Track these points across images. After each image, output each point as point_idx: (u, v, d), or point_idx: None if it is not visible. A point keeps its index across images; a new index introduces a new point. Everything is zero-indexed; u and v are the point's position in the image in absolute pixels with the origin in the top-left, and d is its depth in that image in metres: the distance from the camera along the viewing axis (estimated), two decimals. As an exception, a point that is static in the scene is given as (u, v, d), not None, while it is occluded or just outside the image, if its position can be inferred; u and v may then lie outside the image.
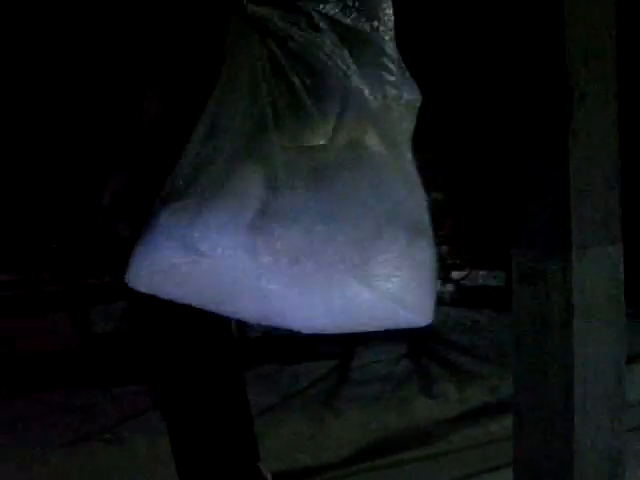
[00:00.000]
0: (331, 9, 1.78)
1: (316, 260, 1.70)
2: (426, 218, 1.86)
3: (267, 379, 8.44)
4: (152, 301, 1.97)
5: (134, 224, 2.14)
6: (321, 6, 1.78)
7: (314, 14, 1.77)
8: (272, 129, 1.69)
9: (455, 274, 15.96)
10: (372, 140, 1.77)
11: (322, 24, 1.76)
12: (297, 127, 1.72)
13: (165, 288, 1.80)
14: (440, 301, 12.32)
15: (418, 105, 1.94)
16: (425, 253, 1.85)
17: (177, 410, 2.57)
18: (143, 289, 1.82)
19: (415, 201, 1.84)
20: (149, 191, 2.00)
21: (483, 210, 15.08)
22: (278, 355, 9.61)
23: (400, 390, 7.30)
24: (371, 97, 1.77)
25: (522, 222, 2.78)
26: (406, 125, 1.88)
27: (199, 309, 1.92)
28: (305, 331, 1.81)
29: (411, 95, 1.90)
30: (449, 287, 16.29)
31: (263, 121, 1.70)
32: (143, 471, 5.29)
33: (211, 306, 1.82)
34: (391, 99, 1.82)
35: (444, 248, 18.53)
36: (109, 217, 2.46)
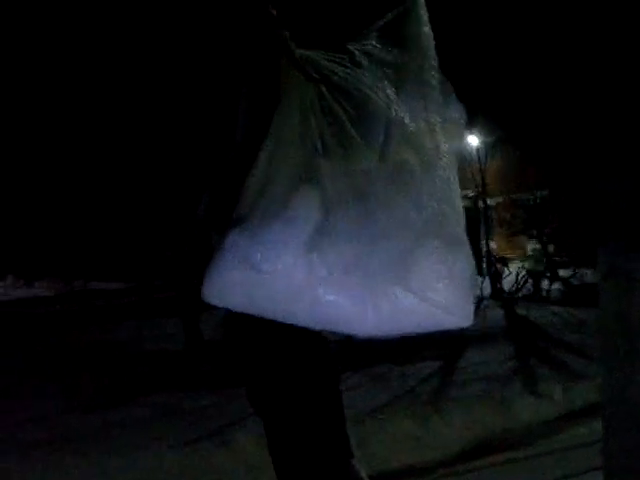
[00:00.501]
0: (372, 46, 1.99)
1: (365, 271, 1.91)
2: (462, 230, 2.05)
3: (377, 379, 8.59)
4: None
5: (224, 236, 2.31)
6: (363, 44, 2.00)
7: (356, 52, 1.98)
8: (322, 157, 1.91)
9: (562, 272, 15.80)
10: (414, 162, 1.96)
11: (364, 61, 1.97)
12: (344, 154, 1.92)
13: (234, 301, 2.04)
14: (548, 299, 12.33)
15: (463, 123, 2.14)
16: (462, 261, 2.03)
17: (272, 411, 2.70)
18: (215, 302, 2.06)
19: (452, 215, 2.02)
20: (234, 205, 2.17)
21: (587, 208, 14.91)
22: (388, 356, 9.73)
23: (504, 390, 7.29)
24: (412, 124, 1.97)
25: (607, 222, 2.81)
26: (448, 145, 2.04)
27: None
28: (357, 335, 2.01)
29: (455, 116, 2.10)
30: (556, 285, 16.12)
31: (314, 150, 1.92)
32: (252, 472, 5.46)
33: (273, 315, 2.04)
34: (433, 123, 2.01)
35: (551, 246, 18.37)
36: (204, 229, 2.61)
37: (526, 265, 16.97)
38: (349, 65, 1.98)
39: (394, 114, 1.96)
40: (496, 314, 13.65)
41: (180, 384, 8.57)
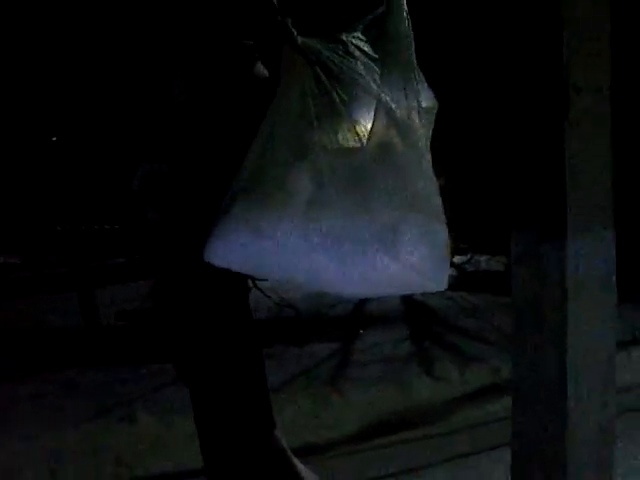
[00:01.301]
0: (359, 39, 2.28)
1: (354, 240, 2.16)
2: (440, 205, 2.35)
3: (273, 359, 8.64)
4: (177, 280, 2.29)
5: (162, 209, 2.42)
6: (354, 36, 2.29)
7: (349, 43, 2.27)
8: (317, 136, 2.17)
9: (457, 259, 16.13)
10: (397, 143, 2.23)
11: (355, 51, 2.25)
12: (337, 134, 2.18)
13: (237, 262, 2.31)
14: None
15: (435, 111, 2.44)
16: (440, 233, 2.35)
17: (200, 381, 2.75)
18: (218, 263, 2.32)
19: (431, 192, 2.32)
20: (180, 180, 2.26)
21: (485, 195, 15.24)
22: (284, 337, 9.80)
23: (402, 371, 7.45)
24: (396, 108, 2.25)
25: (520, 207, 2.93)
26: (425, 129, 2.36)
27: (220, 287, 2.57)
28: (345, 295, 2.41)
29: (429, 103, 2.39)
30: (452, 271, 16.45)
31: (310, 129, 2.18)
32: (153, 447, 5.46)
33: (272, 276, 2.44)
34: (413, 108, 2.30)
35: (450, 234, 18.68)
36: (138, 201, 2.67)
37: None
38: (343, 54, 2.23)
39: (381, 99, 2.22)
40: (393, 298, 13.89)
41: (81, 361, 8.42)
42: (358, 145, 2.19)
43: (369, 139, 2.19)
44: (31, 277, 17.25)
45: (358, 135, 2.19)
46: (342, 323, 11.29)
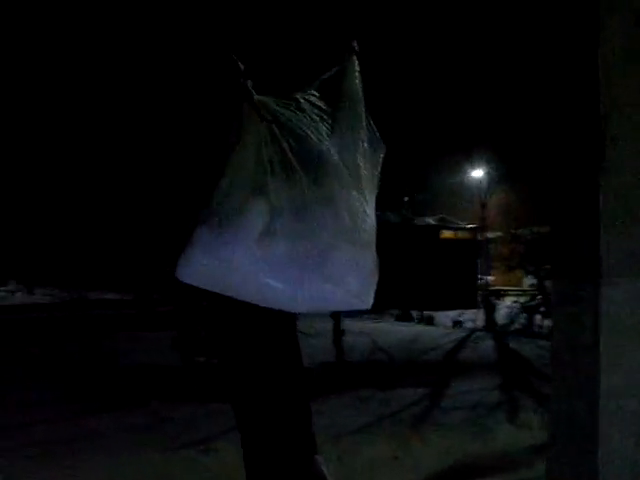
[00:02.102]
0: (314, 96, 2.68)
1: (297, 264, 2.55)
2: (370, 236, 2.72)
3: (360, 402, 8.74)
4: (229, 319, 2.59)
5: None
6: (307, 93, 2.68)
7: (301, 99, 2.66)
8: (270, 177, 2.55)
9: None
10: (334, 184, 2.64)
11: (306, 106, 2.64)
12: (286, 176, 2.58)
13: (201, 281, 2.67)
14: (539, 334, 12.37)
15: (382, 154, 2.83)
16: (368, 259, 2.71)
17: (245, 405, 2.95)
18: (187, 281, 2.68)
19: (363, 225, 2.69)
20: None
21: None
22: (373, 381, 9.89)
23: (485, 418, 7.44)
24: (341, 154, 2.65)
25: (558, 252, 3.02)
26: (371, 169, 2.77)
27: (270, 323, 2.86)
28: (293, 311, 2.72)
29: (377, 149, 2.81)
30: (548, 322, 16.22)
31: (264, 172, 2.56)
32: (232, 477, 5.62)
33: (229, 293, 2.65)
34: (359, 153, 2.70)
35: (548, 282, 18.48)
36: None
37: (521, 300, 17.12)
38: (294, 109, 2.64)
39: (324, 149, 2.62)
40: (487, 346, 13.80)
41: (171, 396, 8.73)
42: (303, 186, 2.57)
43: (312, 181, 2.58)
44: (135, 314, 17.93)
45: (303, 178, 2.57)
46: (433, 369, 11.31)
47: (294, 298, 2.57)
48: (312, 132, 2.62)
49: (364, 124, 2.76)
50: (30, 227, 18.00)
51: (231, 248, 2.54)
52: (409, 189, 31.81)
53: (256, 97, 2.63)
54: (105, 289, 22.95)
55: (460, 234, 23.41)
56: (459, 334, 15.74)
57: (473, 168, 21.91)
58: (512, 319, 16.43)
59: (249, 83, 2.65)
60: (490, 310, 17.20)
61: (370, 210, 2.75)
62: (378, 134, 2.82)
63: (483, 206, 20.12)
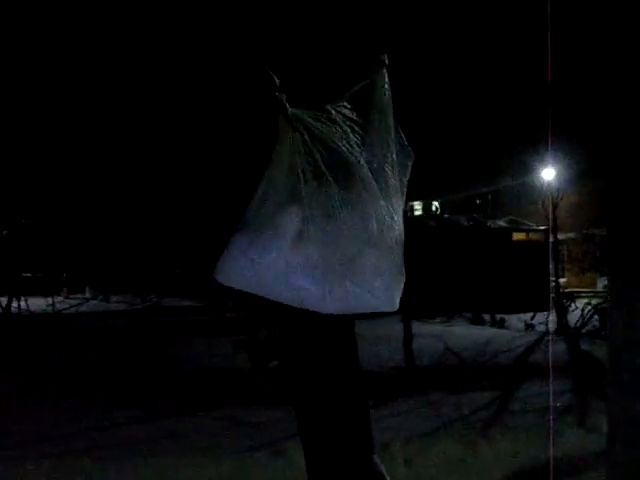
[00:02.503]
0: (345, 108, 2.81)
1: (327, 267, 2.69)
2: (396, 242, 2.83)
3: (430, 405, 8.79)
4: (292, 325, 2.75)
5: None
6: (338, 105, 2.81)
7: (332, 111, 2.81)
8: (303, 186, 2.70)
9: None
10: (364, 194, 2.78)
11: (337, 118, 2.79)
12: (318, 184, 2.73)
13: (237, 283, 2.83)
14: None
15: (411, 163, 2.96)
16: (393, 264, 2.82)
17: (305, 404, 3.07)
18: (224, 282, 2.85)
19: (388, 232, 2.81)
20: None
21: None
22: (444, 384, 9.93)
23: (556, 421, 7.40)
24: (370, 163, 2.79)
25: (614, 254, 3.04)
26: (398, 180, 2.89)
27: (329, 326, 2.94)
28: (322, 312, 2.77)
29: (406, 158, 2.95)
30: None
31: (298, 181, 2.71)
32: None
33: (262, 293, 2.80)
34: (388, 162, 2.83)
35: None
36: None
37: (593, 302, 16.89)
38: (326, 121, 2.78)
39: (354, 159, 2.76)
40: (560, 348, 13.66)
41: (243, 399, 8.92)
42: (334, 194, 2.72)
43: (342, 189, 2.73)
44: (207, 320, 18.24)
45: (334, 186, 2.73)
46: (504, 372, 11.27)
47: (323, 299, 2.71)
48: (343, 143, 2.77)
49: (393, 135, 2.88)
50: (105, 236, 18.46)
51: (266, 252, 2.72)
52: (480, 192, 31.66)
53: (290, 110, 2.77)
54: (179, 296, 23.39)
55: (531, 236, 23.22)
56: (531, 337, 15.61)
57: (543, 168, 21.67)
58: (585, 321, 16.20)
59: (283, 97, 2.79)
60: (562, 312, 17.00)
61: (397, 217, 2.86)
62: (407, 143, 2.95)
63: (555, 206, 19.83)
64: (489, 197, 31.66)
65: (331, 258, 2.68)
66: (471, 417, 8.19)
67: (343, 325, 2.95)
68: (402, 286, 2.87)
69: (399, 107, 2.91)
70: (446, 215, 26.00)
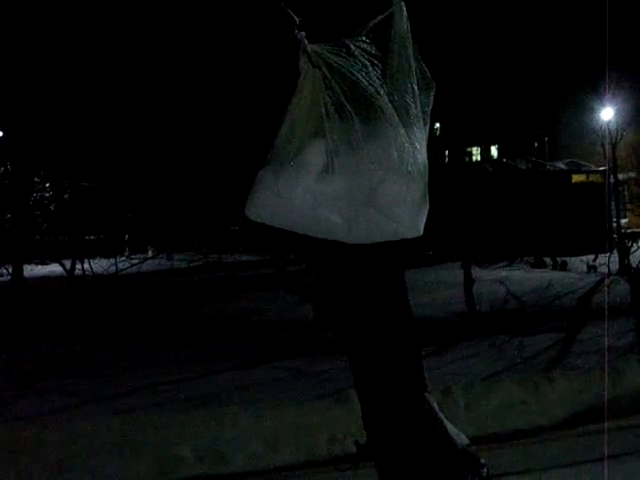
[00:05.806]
0: (363, 42, 2.82)
1: (350, 197, 2.77)
2: (416, 169, 2.85)
3: (494, 348, 8.87)
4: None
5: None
6: (357, 39, 2.82)
7: (351, 45, 2.81)
8: (326, 120, 2.77)
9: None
10: (382, 123, 2.81)
11: (357, 52, 2.81)
12: (340, 119, 2.76)
13: (265, 218, 2.89)
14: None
15: (433, 92, 2.97)
16: (415, 190, 2.85)
17: (358, 348, 3.15)
18: (253, 218, 2.91)
19: (408, 159, 2.84)
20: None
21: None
22: (508, 327, 9.99)
23: (617, 361, 7.42)
24: (390, 97, 2.83)
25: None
26: (420, 110, 2.91)
27: (378, 268, 3.05)
28: (346, 241, 2.85)
29: (427, 87, 2.95)
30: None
31: (320, 116, 2.77)
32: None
33: (291, 227, 2.87)
34: (409, 94, 2.88)
35: None
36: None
37: (657, 241, 16.69)
38: (345, 55, 2.79)
39: (374, 92, 2.79)
40: (623, 289, 13.59)
41: (307, 350, 9.10)
42: (356, 127, 2.76)
43: (364, 122, 2.76)
44: (267, 274, 18.44)
45: (356, 119, 2.76)
46: (566, 314, 11.26)
47: (349, 230, 2.80)
48: (362, 75, 2.80)
49: (413, 67, 2.91)
50: (164, 195, 18.71)
51: (292, 186, 2.78)
52: (538, 134, 31.19)
53: (310, 46, 2.81)
54: (239, 252, 23.65)
55: (591, 177, 22.85)
56: (593, 279, 15.51)
57: (602, 108, 21.26)
58: (647, 261, 16.01)
59: (303, 35, 2.82)
60: (624, 253, 16.82)
61: (420, 145, 2.90)
62: (429, 74, 2.96)
63: (614, 146, 19.45)
64: (546, 139, 31.15)
65: (355, 189, 2.77)
66: (533, 359, 8.27)
67: (392, 266, 3.02)
68: (426, 212, 2.91)
69: (456, 54, 2.92)
70: (504, 159, 25.72)
